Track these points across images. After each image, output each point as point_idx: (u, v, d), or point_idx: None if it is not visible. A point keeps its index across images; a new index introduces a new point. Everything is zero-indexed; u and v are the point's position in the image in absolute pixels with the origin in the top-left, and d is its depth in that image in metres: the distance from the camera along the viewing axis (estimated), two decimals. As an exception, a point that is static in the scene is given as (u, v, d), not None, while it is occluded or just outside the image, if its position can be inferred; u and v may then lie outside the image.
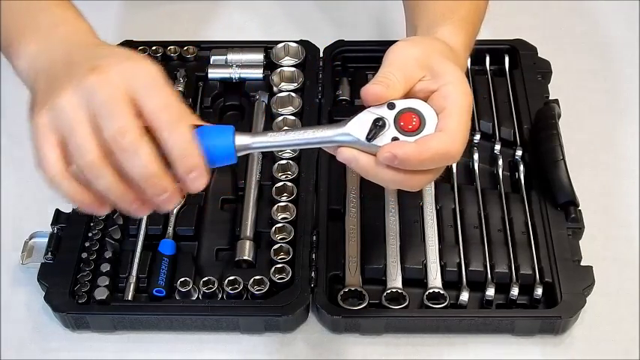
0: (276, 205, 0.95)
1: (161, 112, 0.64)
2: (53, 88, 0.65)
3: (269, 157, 1.00)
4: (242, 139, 0.69)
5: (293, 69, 1.08)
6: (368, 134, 0.69)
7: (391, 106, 0.70)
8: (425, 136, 0.70)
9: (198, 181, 0.65)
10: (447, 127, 0.70)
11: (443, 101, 0.71)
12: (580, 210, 0.93)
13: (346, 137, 0.70)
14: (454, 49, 0.79)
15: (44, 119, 0.64)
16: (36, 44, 0.72)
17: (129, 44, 1.12)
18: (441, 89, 0.71)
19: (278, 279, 0.89)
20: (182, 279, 0.89)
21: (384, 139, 0.69)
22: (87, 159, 0.63)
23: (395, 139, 0.69)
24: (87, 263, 0.90)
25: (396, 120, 0.70)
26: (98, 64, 0.64)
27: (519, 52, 1.08)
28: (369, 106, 0.71)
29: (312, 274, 0.89)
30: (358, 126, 0.70)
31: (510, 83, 1.07)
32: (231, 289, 0.88)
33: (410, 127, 0.70)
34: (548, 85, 1.07)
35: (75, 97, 0.63)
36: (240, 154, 0.69)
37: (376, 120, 0.70)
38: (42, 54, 0.72)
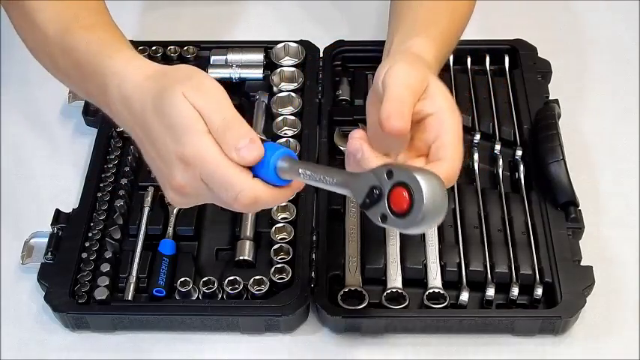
0: (276, 205, 0.95)
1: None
2: (158, 152, 0.71)
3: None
4: (282, 163, 0.68)
5: (293, 69, 1.08)
6: (363, 203, 0.65)
7: (389, 174, 0.64)
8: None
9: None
10: (446, 156, 0.71)
11: (439, 127, 0.72)
12: (580, 210, 0.93)
13: (348, 193, 0.67)
14: (428, 63, 0.80)
15: (175, 198, 0.73)
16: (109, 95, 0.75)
17: (129, 44, 1.12)
18: (437, 114, 0.72)
19: (278, 279, 0.89)
20: (182, 279, 0.89)
21: (376, 212, 0.64)
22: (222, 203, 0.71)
23: (383, 216, 0.64)
24: (87, 263, 0.90)
25: (388, 196, 0.64)
26: (181, 154, 0.69)
27: (519, 52, 1.08)
28: (372, 168, 0.66)
29: (312, 274, 0.89)
30: (359, 187, 0.65)
31: (510, 83, 1.07)
32: (231, 289, 0.88)
33: (399, 209, 0.63)
34: (548, 85, 1.07)
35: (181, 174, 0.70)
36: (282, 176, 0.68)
37: (373, 188, 0.65)
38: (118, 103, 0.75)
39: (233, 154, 0.67)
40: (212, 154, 0.67)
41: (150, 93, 0.71)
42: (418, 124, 0.73)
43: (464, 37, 1.11)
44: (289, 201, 0.95)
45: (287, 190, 0.70)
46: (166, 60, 1.11)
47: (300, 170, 0.67)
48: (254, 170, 0.68)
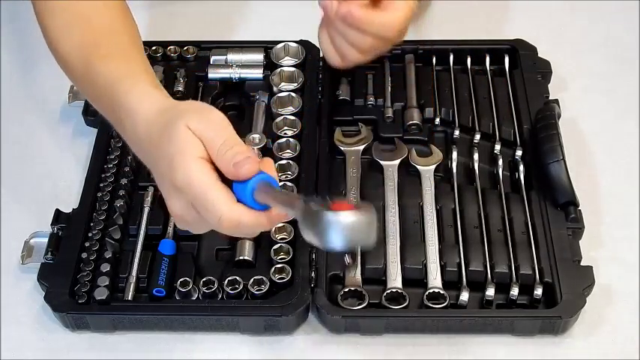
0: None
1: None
2: (160, 184, 0.76)
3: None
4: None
5: (293, 69, 1.08)
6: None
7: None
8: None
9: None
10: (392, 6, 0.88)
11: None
12: (580, 210, 0.93)
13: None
14: None
15: (182, 226, 0.77)
16: (129, 123, 0.78)
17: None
18: None
19: (278, 279, 0.89)
20: (182, 279, 0.89)
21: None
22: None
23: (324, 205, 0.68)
24: (87, 263, 0.90)
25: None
26: (174, 181, 0.72)
27: (519, 52, 1.08)
28: None
29: (312, 274, 0.89)
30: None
31: (510, 83, 1.07)
32: (231, 289, 0.88)
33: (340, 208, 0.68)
34: (548, 85, 1.07)
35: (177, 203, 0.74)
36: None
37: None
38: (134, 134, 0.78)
39: (230, 168, 0.70)
40: (198, 176, 0.70)
41: (157, 127, 0.74)
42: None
43: (464, 37, 1.11)
44: (289, 201, 0.95)
45: (265, 215, 0.72)
46: (166, 60, 1.12)
47: (271, 196, 0.71)
48: (238, 196, 0.71)
